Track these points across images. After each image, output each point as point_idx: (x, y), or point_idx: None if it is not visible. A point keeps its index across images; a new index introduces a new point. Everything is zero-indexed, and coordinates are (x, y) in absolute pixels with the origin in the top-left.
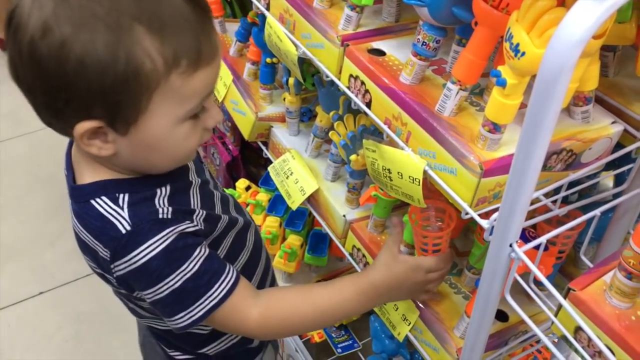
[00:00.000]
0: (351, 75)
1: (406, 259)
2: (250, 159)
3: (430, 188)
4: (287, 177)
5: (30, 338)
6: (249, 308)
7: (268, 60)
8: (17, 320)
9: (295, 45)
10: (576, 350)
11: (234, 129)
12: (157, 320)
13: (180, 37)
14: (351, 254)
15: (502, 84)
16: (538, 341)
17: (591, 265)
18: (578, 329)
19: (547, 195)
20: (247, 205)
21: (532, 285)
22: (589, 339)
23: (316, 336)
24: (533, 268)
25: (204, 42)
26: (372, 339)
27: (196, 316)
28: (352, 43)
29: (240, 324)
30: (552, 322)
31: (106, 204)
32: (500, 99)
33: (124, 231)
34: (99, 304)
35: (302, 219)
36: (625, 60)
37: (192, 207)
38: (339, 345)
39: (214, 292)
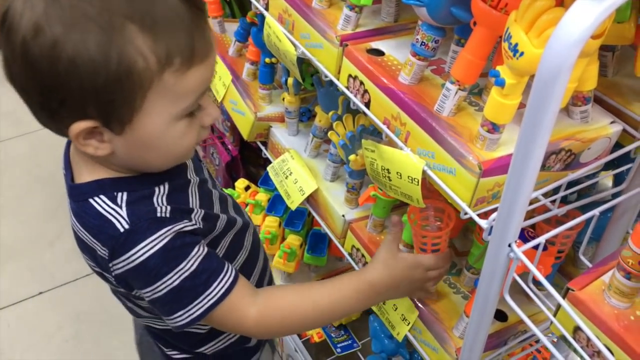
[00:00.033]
0: (350, 75)
1: (405, 256)
2: (250, 159)
3: (429, 188)
4: (286, 177)
5: (30, 338)
6: (247, 307)
7: (267, 60)
8: (16, 320)
9: (294, 45)
10: (575, 350)
11: (233, 129)
12: (155, 319)
13: (173, 35)
14: (350, 254)
15: (500, 83)
16: (537, 341)
17: (590, 265)
18: (577, 329)
19: (546, 195)
20: (247, 205)
21: (531, 285)
22: (588, 339)
23: (315, 336)
24: (532, 268)
25: (197, 39)
26: (371, 339)
27: (195, 315)
28: (351, 43)
29: (239, 322)
30: (551, 322)
31: (104, 202)
32: (499, 99)
33: (122, 230)
34: (98, 304)
35: (302, 219)
36: (624, 60)
37: (191, 205)
38: (339, 345)
39: (212, 291)
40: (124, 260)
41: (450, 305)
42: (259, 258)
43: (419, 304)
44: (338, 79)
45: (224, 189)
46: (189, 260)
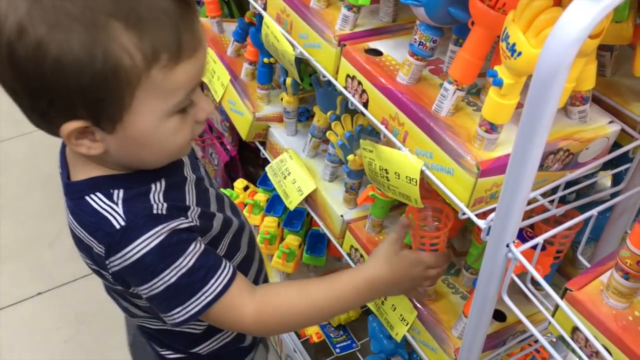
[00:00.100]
0: (348, 75)
1: (407, 254)
2: (249, 159)
3: (427, 188)
4: (284, 177)
5: (28, 338)
6: (245, 304)
7: (265, 60)
8: (15, 320)
9: (293, 45)
10: (573, 351)
11: (232, 129)
12: (150, 319)
13: (159, 31)
14: (349, 254)
15: (498, 83)
16: (536, 341)
17: (588, 265)
18: (575, 329)
19: (544, 195)
20: (245, 205)
21: (530, 285)
22: (586, 339)
23: (314, 336)
24: (530, 268)
25: (184, 34)
26: (370, 339)
27: (192, 311)
28: (349, 43)
29: (237, 320)
30: (550, 322)
31: (100, 200)
32: (496, 99)
33: (118, 226)
34: (97, 304)
35: (300, 219)
36: (622, 59)
37: (187, 203)
38: (338, 346)
39: (209, 288)
40: (120, 258)
41: (449, 306)
42: (254, 259)
43: (418, 304)
44: (336, 79)
45: (221, 189)
46: (186, 257)
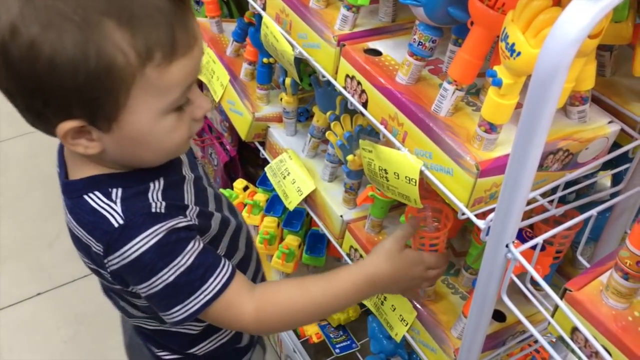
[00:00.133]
0: (347, 76)
1: (409, 252)
2: (248, 159)
3: (426, 188)
4: (284, 178)
5: (28, 339)
6: (245, 302)
7: (265, 60)
8: (15, 321)
9: (292, 45)
10: (573, 351)
11: (232, 129)
12: (147, 319)
13: (153, 28)
14: (348, 255)
15: (498, 84)
16: (536, 341)
17: (588, 266)
18: (575, 330)
19: (544, 195)
20: (245, 205)
21: (529, 286)
22: (586, 340)
23: (314, 336)
24: (529, 268)
25: (179, 32)
26: (370, 340)
27: (191, 310)
28: (348, 43)
29: (236, 318)
30: (549, 323)
31: (99, 198)
32: (496, 99)
33: (116, 225)
34: (97, 304)
35: (300, 219)
36: (622, 59)
37: (186, 202)
38: (337, 346)
39: (209, 286)
40: (118, 256)
41: (449, 306)
42: (252, 259)
43: (418, 305)
44: (335, 79)
45: (221, 189)
46: (185, 255)
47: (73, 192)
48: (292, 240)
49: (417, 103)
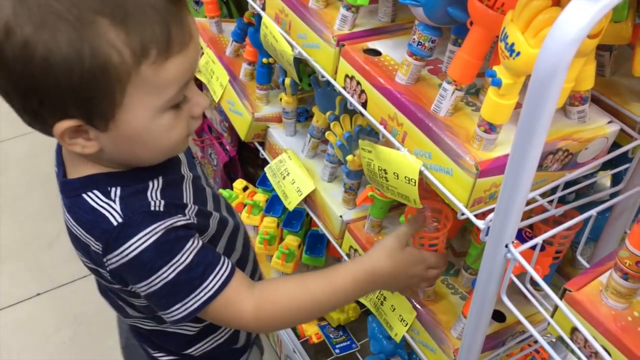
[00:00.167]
0: (347, 76)
1: (411, 250)
2: (248, 159)
3: (426, 188)
4: (283, 178)
5: (27, 339)
6: (244, 300)
7: (264, 60)
8: (14, 321)
9: (291, 45)
10: (572, 351)
11: (231, 129)
12: (144, 319)
13: (147, 26)
14: (348, 255)
15: (497, 84)
16: (536, 341)
17: (588, 266)
18: (574, 330)
19: (543, 195)
20: (245, 205)
21: (529, 286)
22: (585, 340)
23: (314, 337)
24: (528, 268)
25: (174, 29)
26: (369, 340)
27: (192, 308)
28: (347, 43)
29: (236, 316)
30: (549, 323)
31: (98, 197)
32: (495, 99)
33: (115, 223)
34: (96, 305)
35: (300, 220)
36: (621, 59)
37: (185, 201)
38: (337, 346)
39: (209, 284)
40: (118, 255)
41: (448, 306)
42: (248, 259)
43: (417, 305)
44: (335, 79)
45: (220, 190)
46: (184, 253)
47: (71, 191)
48: (291, 241)
49: (416, 103)
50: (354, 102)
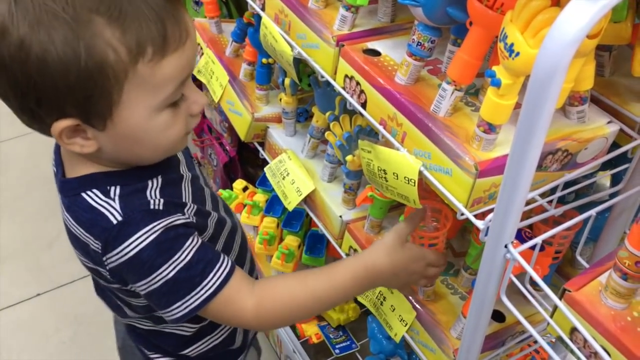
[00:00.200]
0: (346, 76)
1: (412, 247)
2: (248, 159)
3: (426, 188)
4: (283, 178)
5: (27, 340)
6: (245, 298)
7: (264, 60)
8: (14, 321)
9: (291, 45)
10: (572, 351)
11: (231, 129)
12: (141, 319)
13: (143, 24)
14: (348, 255)
15: (496, 84)
16: (536, 341)
17: (587, 266)
18: (574, 330)
19: (543, 195)
20: (245, 206)
21: (528, 286)
22: (585, 340)
23: (314, 337)
24: (528, 269)
25: (170, 27)
26: (369, 340)
27: (192, 306)
28: (347, 43)
29: (236, 314)
30: (549, 323)
31: (97, 196)
32: (495, 99)
33: (115, 222)
34: (96, 305)
35: (300, 220)
36: (621, 59)
37: (184, 200)
38: (337, 346)
39: (209, 282)
40: (117, 253)
41: (448, 306)
42: (245, 260)
43: (417, 305)
44: (334, 80)
45: (220, 190)
46: (184, 251)
47: (70, 190)
48: (291, 241)
49: (416, 103)
50: (353, 102)
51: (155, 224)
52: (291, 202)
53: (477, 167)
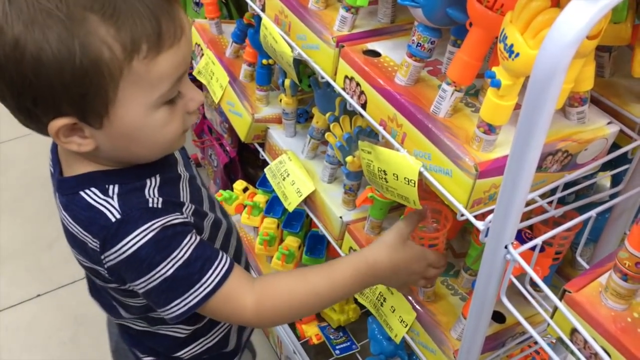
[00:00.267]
0: (346, 77)
1: (413, 245)
2: (248, 160)
3: (426, 189)
4: (283, 179)
5: (27, 340)
6: (244, 295)
7: (264, 61)
8: (15, 322)
9: (291, 46)
10: (572, 352)
11: (231, 130)
12: (135, 319)
13: (137, 21)
14: None
15: (496, 85)
16: (536, 342)
17: (587, 267)
18: (574, 331)
19: (543, 196)
20: (245, 206)
21: (528, 287)
22: (585, 341)
23: (314, 338)
24: (528, 269)
25: (164, 23)
26: (370, 341)
27: (192, 303)
28: (347, 44)
29: (236, 312)
30: (549, 324)
31: (95, 194)
32: (494, 100)
33: (113, 220)
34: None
35: (300, 221)
36: (621, 60)
37: (182, 199)
38: (337, 347)
39: (208, 279)
40: (116, 252)
41: (448, 307)
42: (240, 263)
43: (417, 306)
44: (334, 81)
45: (220, 190)
46: (182, 249)
47: (68, 189)
48: (291, 242)
49: (416, 104)
50: (353, 103)
51: (153, 222)
52: (291, 203)
53: (477, 168)
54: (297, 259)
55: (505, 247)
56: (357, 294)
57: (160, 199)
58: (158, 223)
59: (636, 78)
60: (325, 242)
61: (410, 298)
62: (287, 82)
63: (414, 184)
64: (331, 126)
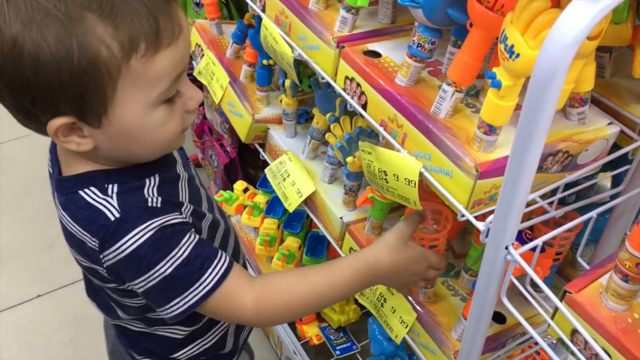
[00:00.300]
0: (347, 77)
1: (415, 246)
2: (249, 160)
3: (426, 190)
4: (284, 179)
5: (28, 341)
6: (244, 294)
7: (264, 62)
8: (15, 323)
9: (291, 47)
10: (573, 353)
11: (232, 131)
12: (133, 320)
13: (135, 20)
14: None
15: (497, 85)
16: (537, 343)
17: (588, 267)
18: (574, 332)
19: (543, 196)
20: (245, 207)
21: (529, 288)
22: (586, 342)
23: (314, 338)
24: (528, 270)
25: (162, 22)
26: (370, 341)
27: (191, 302)
28: (347, 45)
29: (236, 311)
30: (549, 325)
31: (94, 193)
32: (495, 101)
33: (112, 218)
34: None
35: (300, 221)
36: (621, 61)
37: (181, 199)
38: (338, 348)
39: (207, 278)
40: (115, 251)
41: (449, 308)
42: (238, 263)
43: (417, 306)
44: (335, 81)
45: (221, 191)
46: (181, 248)
47: (67, 188)
48: (292, 242)
49: (416, 105)
50: (354, 103)
51: (152, 221)
52: (292, 203)
53: (478, 169)
54: (298, 260)
55: (506, 248)
56: (357, 294)
57: (160, 199)
58: (157, 222)
59: (637, 79)
60: (325, 243)
61: (410, 299)
62: (288, 82)
63: (415, 184)
64: (331, 127)
